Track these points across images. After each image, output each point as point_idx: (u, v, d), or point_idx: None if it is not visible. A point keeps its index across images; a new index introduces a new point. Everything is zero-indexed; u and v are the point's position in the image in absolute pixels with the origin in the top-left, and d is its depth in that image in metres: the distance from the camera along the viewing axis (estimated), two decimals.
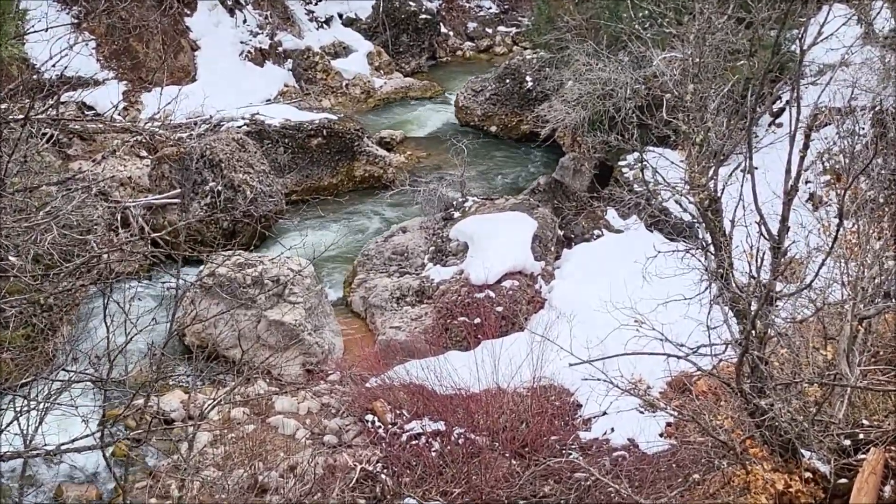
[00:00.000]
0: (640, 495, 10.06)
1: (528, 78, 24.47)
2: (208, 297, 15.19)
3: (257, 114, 21.85)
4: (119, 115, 23.08)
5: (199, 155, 19.07)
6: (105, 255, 11.76)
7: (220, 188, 18.82)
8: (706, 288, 10.38)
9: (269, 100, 25.28)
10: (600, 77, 18.74)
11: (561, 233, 18.18)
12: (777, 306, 9.82)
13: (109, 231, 17.69)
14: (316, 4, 29.94)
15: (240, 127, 21.12)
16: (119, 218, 18.05)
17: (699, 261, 10.49)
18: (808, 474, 9.41)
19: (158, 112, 21.61)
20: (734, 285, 9.76)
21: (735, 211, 9.96)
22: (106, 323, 8.54)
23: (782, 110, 19.48)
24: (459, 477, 11.60)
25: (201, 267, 15.82)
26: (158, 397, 13.42)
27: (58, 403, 8.65)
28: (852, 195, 10.59)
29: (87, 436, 8.53)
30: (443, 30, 31.92)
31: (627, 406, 12.10)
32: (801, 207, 11.64)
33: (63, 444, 8.19)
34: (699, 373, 10.58)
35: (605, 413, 12.72)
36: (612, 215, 18.72)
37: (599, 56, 19.12)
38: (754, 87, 16.14)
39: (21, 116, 11.46)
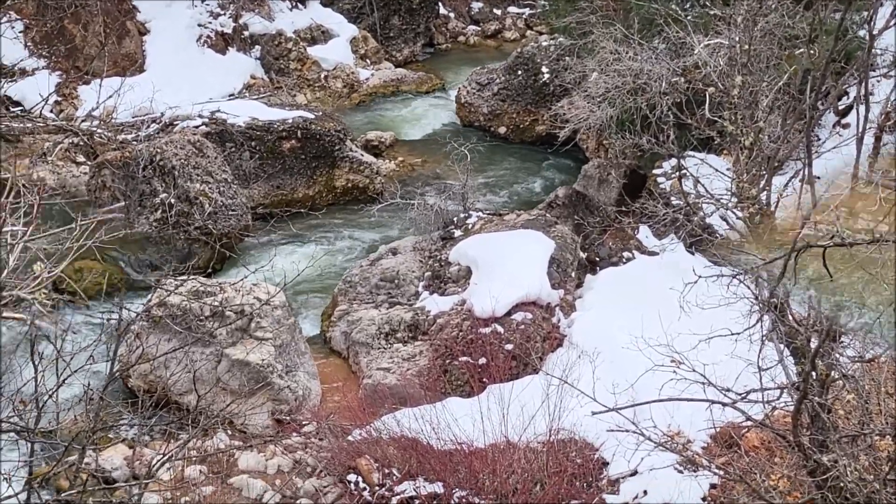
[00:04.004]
0: None
1: (544, 69, 24.62)
2: (158, 332, 15.23)
3: (218, 111, 21.96)
4: (51, 111, 23.20)
5: (147, 160, 19.15)
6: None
7: (172, 200, 18.90)
8: (757, 321, 10.43)
9: (232, 94, 25.43)
10: (631, 68, 18.87)
11: (584, 255, 18.24)
12: (842, 342, 9.89)
13: None
14: None
15: (197, 127, 21.23)
16: None
17: (748, 288, 10.55)
18: None
19: (99, 108, 21.74)
20: (790, 318, 9.82)
21: None
22: (34, 362, 8.58)
23: (849, 108, 19.61)
24: None
25: (149, 295, 15.85)
26: (97, 452, 13.43)
27: None
28: None
29: (10, 497, 8.56)
30: (442, 11, 32.14)
31: (663, 463, 12.13)
32: None
33: None
34: (749, 423, 10.62)
35: (635, 472, 12.75)
36: (644, 234, 18.80)
37: (630, 43, 19.25)
38: (815, 79, 16.30)
39: None
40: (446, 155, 21.92)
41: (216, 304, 15.51)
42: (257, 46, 27.53)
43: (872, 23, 16.31)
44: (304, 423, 15.14)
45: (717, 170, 17.91)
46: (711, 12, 18.61)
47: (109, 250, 16.85)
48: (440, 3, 32.07)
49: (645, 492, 12.62)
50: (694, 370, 10.12)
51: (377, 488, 13.06)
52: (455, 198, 19.89)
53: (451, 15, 32.64)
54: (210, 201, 19.11)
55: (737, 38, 16.62)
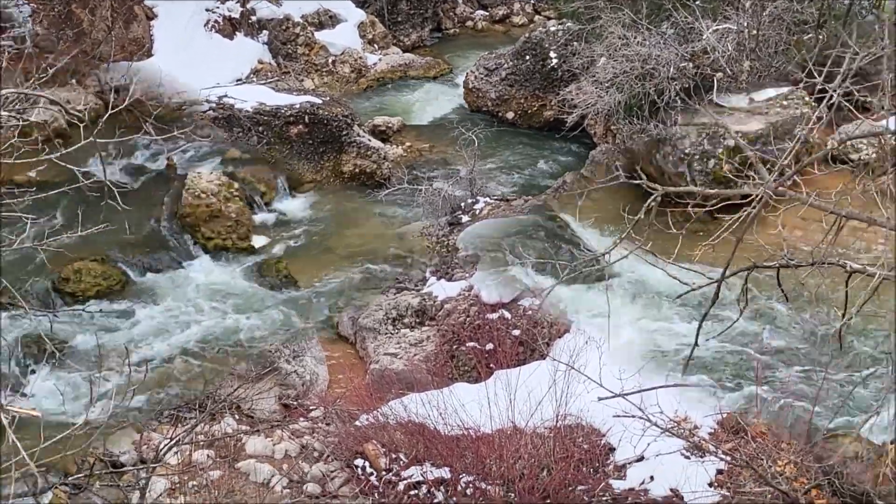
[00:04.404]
0: None
1: (552, 54, 24.56)
2: None
3: (226, 96, 21.98)
4: None
5: None
6: None
7: None
8: None
9: (239, 79, 25.38)
10: (639, 53, 18.83)
11: None
12: None
13: None
14: None
15: (205, 112, 21.24)
16: None
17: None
18: None
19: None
20: None
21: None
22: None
23: None
24: None
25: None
26: (104, 436, 13.48)
27: None
28: None
29: (17, 479, 8.58)
30: None
31: (669, 449, 12.12)
32: None
33: None
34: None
35: (642, 458, 12.75)
36: None
37: (638, 28, 19.20)
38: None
39: None
40: (454, 140, 21.91)
41: None
42: (265, 31, 27.46)
43: (882, 7, 16.26)
44: (311, 407, 15.17)
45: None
46: None
47: (108, 251, 16.91)
48: None
49: (651, 477, 12.61)
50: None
51: (384, 473, 13.09)
52: (462, 183, 19.89)
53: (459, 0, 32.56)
54: None
55: (745, 23, 16.60)
